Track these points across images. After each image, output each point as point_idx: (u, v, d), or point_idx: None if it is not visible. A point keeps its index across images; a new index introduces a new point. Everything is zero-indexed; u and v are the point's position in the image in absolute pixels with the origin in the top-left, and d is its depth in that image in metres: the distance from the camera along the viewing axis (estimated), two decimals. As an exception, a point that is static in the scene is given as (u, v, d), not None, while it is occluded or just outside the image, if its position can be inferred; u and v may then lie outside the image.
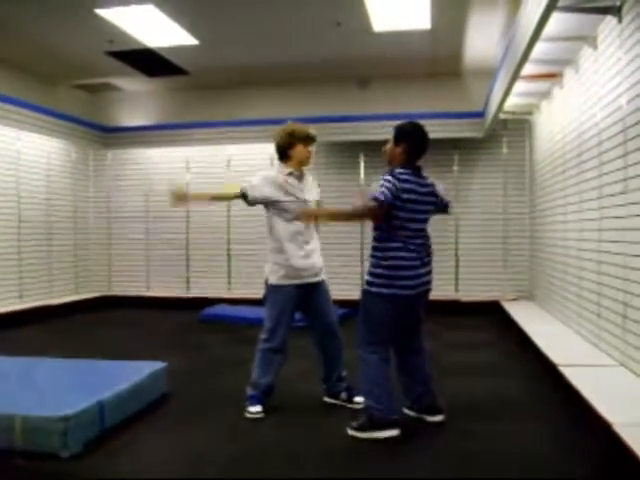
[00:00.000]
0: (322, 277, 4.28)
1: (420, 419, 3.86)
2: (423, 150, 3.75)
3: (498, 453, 3.34)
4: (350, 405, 4.16)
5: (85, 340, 7.03)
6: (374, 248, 3.73)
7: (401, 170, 3.66)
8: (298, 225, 4.09)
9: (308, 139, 4.22)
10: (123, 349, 6.26)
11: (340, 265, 9.18)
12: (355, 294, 9.38)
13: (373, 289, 3.64)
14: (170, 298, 9.84)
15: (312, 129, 4.27)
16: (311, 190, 4.35)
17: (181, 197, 4.30)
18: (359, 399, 4.07)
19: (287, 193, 4.13)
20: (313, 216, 4.01)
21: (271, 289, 4.13)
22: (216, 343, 6.64)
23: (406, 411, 3.95)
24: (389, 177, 3.61)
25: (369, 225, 3.87)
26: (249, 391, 4.08)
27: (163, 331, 7.62)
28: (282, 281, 4.10)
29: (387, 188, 3.54)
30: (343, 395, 4.24)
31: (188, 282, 10.05)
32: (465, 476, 3.06)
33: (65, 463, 3.19)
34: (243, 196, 4.14)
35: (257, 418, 3.93)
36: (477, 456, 3.30)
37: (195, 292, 9.91)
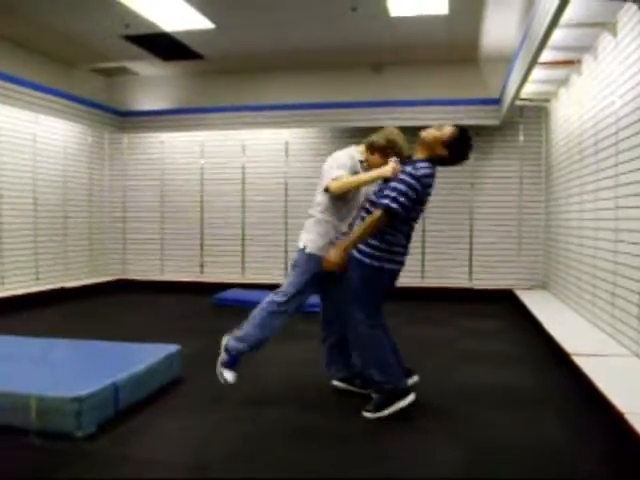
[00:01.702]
0: None
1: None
2: (460, 162, 3.72)
3: (511, 441, 3.34)
4: (366, 392, 4.03)
5: (100, 322, 7.09)
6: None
7: (424, 165, 3.60)
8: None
9: (388, 151, 4.00)
10: (137, 332, 6.31)
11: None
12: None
13: (375, 263, 3.62)
14: (184, 282, 9.89)
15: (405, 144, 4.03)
16: None
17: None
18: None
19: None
20: (341, 254, 3.73)
21: (307, 257, 4.01)
22: (230, 327, 6.63)
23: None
24: (411, 178, 3.53)
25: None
26: (232, 349, 4.01)
27: (177, 315, 7.67)
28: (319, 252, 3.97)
29: (406, 197, 3.50)
30: (358, 381, 4.18)
31: (202, 266, 10.09)
32: (479, 464, 3.07)
33: (79, 443, 3.23)
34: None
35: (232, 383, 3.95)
36: (492, 444, 3.30)
37: (209, 276, 9.95)
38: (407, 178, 3.53)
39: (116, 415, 3.56)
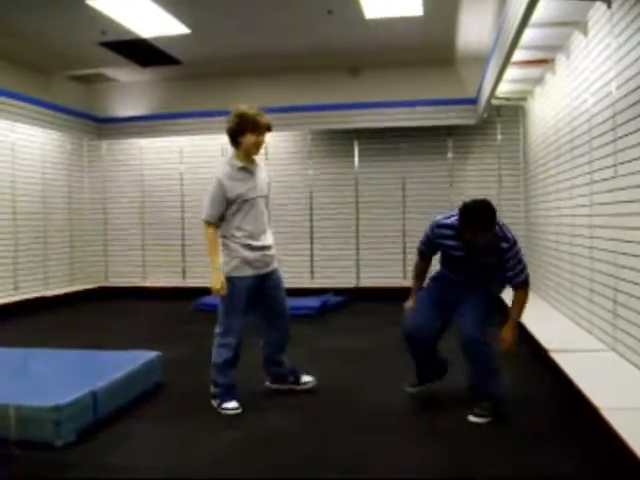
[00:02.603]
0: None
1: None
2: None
3: (486, 436, 3.38)
4: (299, 388, 4.30)
5: (81, 331, 7.06)
6: None
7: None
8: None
9: (258, 127, 3.94)
10: (119, 339, 6.29)
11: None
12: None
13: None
14: (166, 288, 9.87)
15: (265, 117, 3.99)
16: (263, 187, 4.14)
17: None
18: (307, 378, 4.33)
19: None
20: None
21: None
22: (211, 333, 6.64)
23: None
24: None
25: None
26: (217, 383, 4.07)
27: (159, 321, 7.65)
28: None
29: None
30: (291, 378, 4.32)
31: (184, 271, 10.07)
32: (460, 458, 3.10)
33: (59, 452, 3.22)
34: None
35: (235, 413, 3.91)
36: (472, 439, 3.34)
37: (191, 282, 9.93)
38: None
39: (96, 423, 3.55)
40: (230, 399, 3.94)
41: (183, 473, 3.03)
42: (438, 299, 3.96)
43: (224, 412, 3.89)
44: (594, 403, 3.29)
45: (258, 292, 4.09)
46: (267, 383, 4.38)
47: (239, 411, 3.88)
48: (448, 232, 3.84)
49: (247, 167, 4.02)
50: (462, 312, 3.80)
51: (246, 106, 3.99)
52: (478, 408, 3.67)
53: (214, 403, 3.98)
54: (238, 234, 3.98)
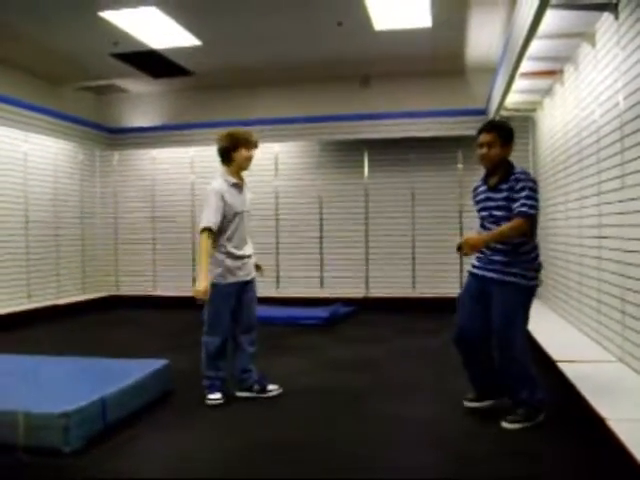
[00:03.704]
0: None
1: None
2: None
3: (492, 450, 3.38)
4: (265, 395, 4.43)
5: (91, 339, 7.11)
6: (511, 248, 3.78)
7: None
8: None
9: (249, 143, 4.42)
10: (129, 348, 6.33)
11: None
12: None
13: (531, 283, 3.76)
14: (176, 297, 9.91)
15: (253, 134, 4.52)
16: (247, 202, 4.56)
17: None
18: (273, 386, 4.48)
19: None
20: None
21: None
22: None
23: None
24: (532, 182, 3.73)
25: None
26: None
27: (169, 330, 7.69)
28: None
29: (536, 200, 3.70)
30: (256, 387, 4.46)
31: (194, 281, 10.09)
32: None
33: (67, 459, 3.25)
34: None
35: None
36: (477, 453, 3.33)
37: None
38: (530, 183, 3.72)
39: (104, 430, 3.58)
40: (214, 391, 4.29)
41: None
42: (475, 292, 3.91)
43: (207, 402, 4.23)
44: (600, 414, 3.29)
45: (237, 300, 4.38)
46: (237, 392, 4.47)
47: (221, 402, 4.24)
48: (477, 184, 4.04)
49: (238, 183, 4.45)
50: (493, 305, 3.78)
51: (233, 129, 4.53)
52: (513, 414, 3.70)
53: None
54: (227, 245, 4.30)
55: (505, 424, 3.66)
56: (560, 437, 3.51)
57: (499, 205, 3.77)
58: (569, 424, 3.72)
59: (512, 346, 3.70)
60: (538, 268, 3.85)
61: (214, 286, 4.22)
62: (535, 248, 3.84)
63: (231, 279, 4.32)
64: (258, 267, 4.68)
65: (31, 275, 8.73)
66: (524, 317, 3.80)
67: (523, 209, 3.62)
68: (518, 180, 3.70)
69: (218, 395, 4.27)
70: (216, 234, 4.26)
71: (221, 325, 4.31)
